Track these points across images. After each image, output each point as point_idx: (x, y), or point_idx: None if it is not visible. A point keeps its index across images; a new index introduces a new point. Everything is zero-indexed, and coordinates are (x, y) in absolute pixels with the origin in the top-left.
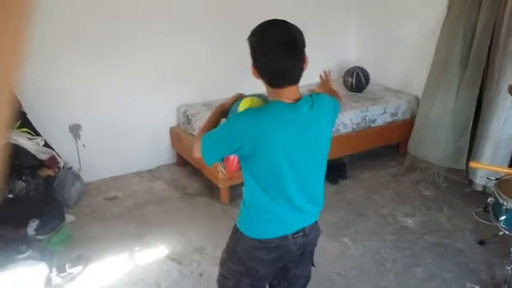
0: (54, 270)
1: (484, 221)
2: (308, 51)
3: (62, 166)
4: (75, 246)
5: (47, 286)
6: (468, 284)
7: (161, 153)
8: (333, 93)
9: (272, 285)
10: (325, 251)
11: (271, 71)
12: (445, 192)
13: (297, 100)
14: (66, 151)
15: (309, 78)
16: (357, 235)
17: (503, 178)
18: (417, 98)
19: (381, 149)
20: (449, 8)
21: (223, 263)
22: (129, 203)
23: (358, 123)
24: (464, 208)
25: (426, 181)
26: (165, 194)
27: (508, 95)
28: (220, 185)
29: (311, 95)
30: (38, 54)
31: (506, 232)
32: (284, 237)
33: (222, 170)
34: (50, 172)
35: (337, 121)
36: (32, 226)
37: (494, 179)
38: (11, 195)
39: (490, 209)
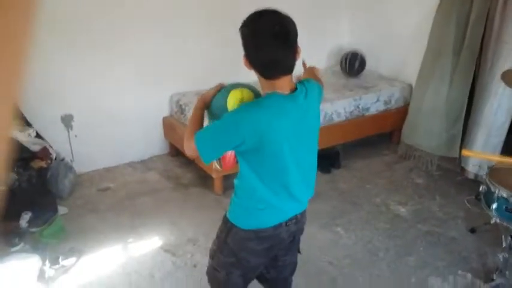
0: (47, 262)
1: (476, 209)
2: (300, 39)
3: (54, 157)
4: (68, 238)
5: (40, 279)
6: (460, 272)
7: (154, 143)
8: (317, 80)
9: (261, 274)
10: (317, 240)
11: (264, 62)
12: (437, 180)
13: (293, 90)
14: (58, 142)
15: (301, 67)
16: (350, 224)
17: (494, 166)
18: (410, 86)
19: (374, 137)
20: None
21: (213, 255)
22: (122, 194)
23: (351, 112)
24: (456, 196)
25: (419, 169)
26: (158, 184)
27: (501, 82)
28: (214, 176)
29: (303, 83)
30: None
31: (498, 220)
32: (278, 226)
33: (218, 167)
34: (43, 163)
35: (331, 110)
36: (25, 218)
37: (486, 166)
38: (3, 188)
39: (482, 197)
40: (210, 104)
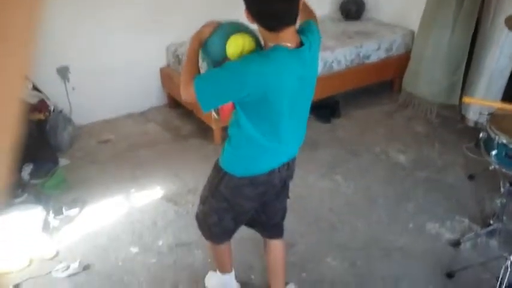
0: (51, 213)
1: (475, 156)
2: None
3: (52, 109)
4: (70, 189)
5: (45, 228)
6: (457, 217)
7: (152, 94)
8: (311, 14)
9: (253, 219)
10: (317, 189)
11: (266, 13)
12: (437, 128)
13: (298, 44)
14: (55, 94)
15: None
16: (349, 173)
17: (495, 113)
18: (412, 33)
19: (375, 86)
20: None
21: (204, 201)
22: (122, 146)
23: (352, 60)
24: (455, 144)
25: (419, 118)
26: (158, 136)
27: (504, 29)
28: (213, 126)
29: (307, 36)
30: None
31: (497, 166)
32: (271, 172)
33: (216, 116)
34: (41, 116)
35: (331, 58)
36: (26, 170)
37: (486, 113)
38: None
39: (482, 144)
40: (205, 44)
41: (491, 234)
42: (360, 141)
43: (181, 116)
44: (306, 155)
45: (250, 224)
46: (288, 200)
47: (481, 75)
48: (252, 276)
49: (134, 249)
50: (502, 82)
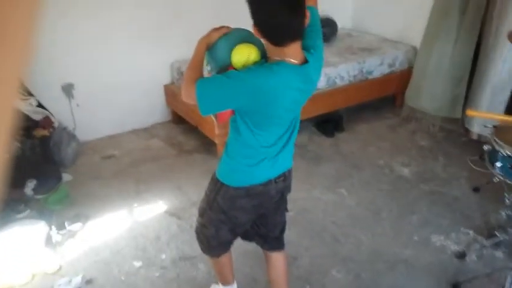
0: (53, 228)
1: (480, 169)
2: None
3: (56, 126)
4: (73, 204)
5: (48, 243)
6: (462, 229)
7: (156, 111)
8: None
9: (252, 232)
10: (321, 202)
11: (273, 27)
12: (440, 142)
13: (303, 60)
14: (59, 111)
15: None
16: (353, 186)
17: (499, 125)
18: (415, 49)
19: (378, 101)
20: None
21: (202, 213)
22: (125, 161)
23: (355, 76)
24: (459, 157)
25: (422, 131)
26: (162, 151)
27: (507, 41)
28: (217, 141)
29: (311, 53)
30: None
31: (501, 178)
32: (268, 182)
33: (214, 119)
34: (45, 132)
35: (334, 74)
36: (30, 186)
37: (490, 126)
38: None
39: (486, 156)
40: (212, 48)
41: (496, 245)
42: (364, 155)
43: (185, 131)
44: (310, 169)
45: (250, 238)
46: (289, 213)
47: (484, 88)
48: None
49: (137, 264)
50: (505, 95)
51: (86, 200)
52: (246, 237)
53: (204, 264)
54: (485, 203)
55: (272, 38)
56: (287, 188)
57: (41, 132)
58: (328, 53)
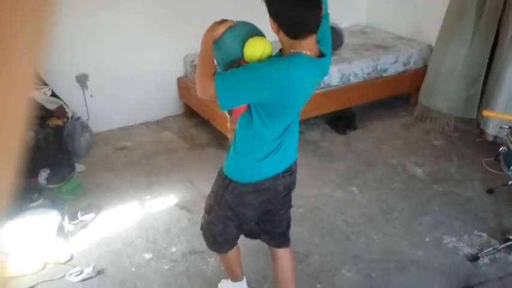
0: (66, 217)
1: (494, 171)
2: None
3: (70, 116)
4: (86, 195)
5: (60, 233)
6: (475, 231)
7: (169, 103)
8: None
9: (258, 229)
10: (332, 200)
11: (293, 22)
12: (455, 142)
13: (318, 53)
14: (73, 101)
15: None
16: (365, 185)
17: None
18: (430, 47)
19: (391, 99)
20: None
21: (209, 210)
22: (138, 153)
23: (369, 73)
24: (474, 158)
25: (436, 131)
26: (174, 144)
27: None
28: (229, 136)
29: (324, 46)
30: None
31: None
32: (275, 177)
33: (228, 115)
34: (59, 122)
35: (348, 71)
36: (43, 175)
37: (507, 127)
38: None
39: (502, 158)
40: (219, 42)
41: (510, 249)
42: (376, 153)
43: (197, 125)
44: (322, 166)
45: (255, 235)
46: (300, 210)
47: (500, 89)
48: (266, 286)
49: (148, 256)
50: None
51: (98, 191)
52: (251, 235)
53: (214, 258)
54: (500, 205)
55: (291, 31)
56: (293, 183)
57: (55, 122)
58: (343, 49)
